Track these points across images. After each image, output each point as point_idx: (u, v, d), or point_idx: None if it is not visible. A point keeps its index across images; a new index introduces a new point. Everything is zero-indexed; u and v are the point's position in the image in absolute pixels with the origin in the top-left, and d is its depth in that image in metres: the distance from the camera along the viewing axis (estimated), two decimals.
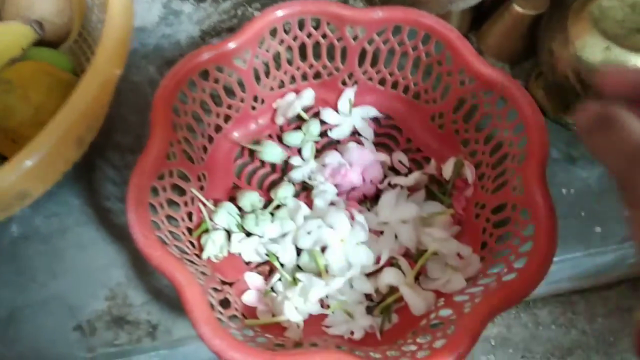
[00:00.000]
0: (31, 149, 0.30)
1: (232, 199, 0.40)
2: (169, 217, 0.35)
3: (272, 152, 0.42)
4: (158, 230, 0.33)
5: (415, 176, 0.39)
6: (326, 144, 0.44)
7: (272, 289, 0.36)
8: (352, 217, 0.37)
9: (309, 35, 0.42)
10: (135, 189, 0.32)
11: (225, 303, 0.34)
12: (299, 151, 0.43)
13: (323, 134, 0.43)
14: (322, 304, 0.36)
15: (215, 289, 0.33)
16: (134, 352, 0.36)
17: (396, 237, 0.37)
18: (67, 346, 0.35)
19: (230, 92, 0.41)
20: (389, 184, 0.40)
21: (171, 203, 0.36)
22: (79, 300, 0.37)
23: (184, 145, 0.37)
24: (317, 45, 0.42)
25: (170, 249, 0.32)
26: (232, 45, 0.38)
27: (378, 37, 0.41)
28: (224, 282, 0.36)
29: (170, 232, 0.34)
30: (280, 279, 0.36)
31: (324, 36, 0.42)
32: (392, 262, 0.36)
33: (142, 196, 0.32)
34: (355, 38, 0.42)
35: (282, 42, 0.41)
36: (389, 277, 0.34)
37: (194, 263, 0.34)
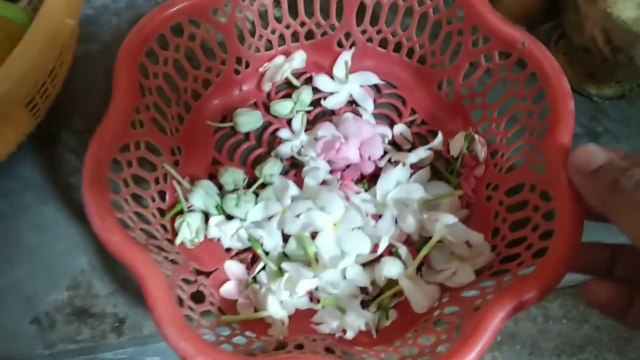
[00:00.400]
0: None
1: (212, 177, 0.35)
2: (136, 196, 0.31)
3: (248, 121, 0.37)
4: (120, 211, 0.28)
5: (419, 152, 0.34)
6: (319, 115, 0.39)
7: (255, 280, 0.32)
8: (346, 199, 0.32)
9: None
10: (92, 162, 0.27)
11: (198, 296, 0.29)
12: (289, 123, 0.38)
13: (316, 103, 0.38)
14: (311, 297, 0.31)
15: (186, 280, 0.29)
16: (98, 349, 0.32)
17: (396, 222, 0.33)
18: (22, 342, 0.31)
19: (209, 52, 0.36)
20: (390, 161, 0.35)
21: (139, 180, 0.31)
22: (36, 289, 0.33)
23: (154, 113, 0.32)
24: None
25: (133, 234, 0.27)
26: None
27: None
28: (199, 272, 0.32)
29: (137, 213, 0.30)
30: (264, 269, 0.32)
31: None
32: (391, 251, 0.32)
33: (101, 170, 0.27)
34: None
35: None
36: (388, 267, 0.30)
37: (163, 250, 0.30)
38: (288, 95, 0.38)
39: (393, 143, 0.37)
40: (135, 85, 0.30)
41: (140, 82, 0.31)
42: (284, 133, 0.37)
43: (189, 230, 0.32)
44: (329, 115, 0.39)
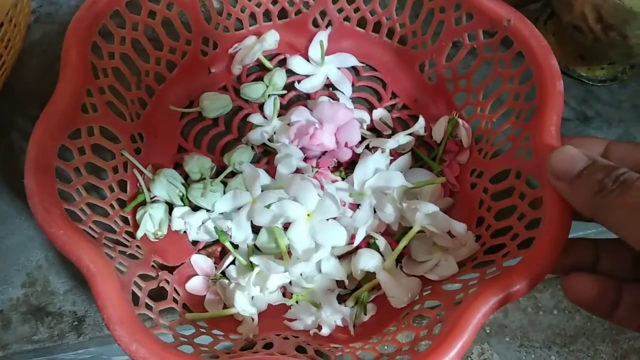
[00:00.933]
0: None
1: (179, 166, 0.33)
2: (91, 187, 0.28)
3: (216, 106, 0.34)
4: (70, 202, 0.26)
5: (399, 138, 0.32)
6: (294, 99, 0.36)
7: (224, 275, 0.30)
8: (321, 187, 0.30)
9: None
10: (36, 149, 0.24)
11: (160, 293, 0.27)
12: (261, 107, 0.35)
13: (290, 86, 0.36)
14: (285, 292, 0.29)
15: (146, 277, 0.27)
16: (57, 349, 0.29)
17: (375, 211, 0.31)
18: None
19: (172, 31, 0.33)
20: (368, 147, 0.33)
21: (95, 169, 0.29)
22: None
23: (109, 96, 0.30)
24: None
25: (84, 227, 0.25)
26: None
27: None
28: (163, 267, 0.29)
29: (90, 204, 0.27)
30: (233, 263, 0.30)
31: None
32: (369, 242, 0.30)
33: (46, 158, 0.25)
34: None
35: None
36: (364, 260, 0.28)
37: (121, 244, 0.27)
38: (260, 79, 0.36)
39: (372, 129, 0.35)
40: (86, 65, 0.28)
41: (92, 62, 0.28)
42: (255, 118, 0.35)
43: (151, 223, 0.30)
44: (305, 99, 0.36)
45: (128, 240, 0.28)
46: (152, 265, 0.28)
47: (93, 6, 0.28)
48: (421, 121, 0.33)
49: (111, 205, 0.29)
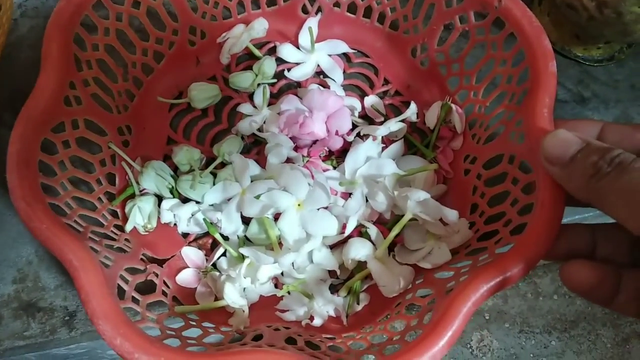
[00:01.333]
0: None
1: (168, 158, 0.33)
2: (78, 180, 0.28)
3: (204, 96, 0.33)
4: (54, 196, 0.25)
5: (390, 125, 0.32)
6: (284, 88, 0.36)
7: (215, 267, 0.30)
8: (312, 177, 0.30)
9: None
10: (18, 142, 0.24)
11: (148, 286, 0.27)
12: (250, 97, 0.35)
13: (280, 75, 0.35)
14: (277, 283, 0.29)
15: (133, 270, 0.26)
16: (50, 344, 0.29)
17: (367, 200, 0.30)
18: None
19: (157, 21, 0.32)
20: (359, 135, 0.32)
21: (81, 162, 0.28)
22: None
23: (94, 88, 0.29)
24: None
25: (69, 221, 0.25)
26: None
27: None
28: (153, 260, 0.29)
29: (76, 198, 0.27)
30: (224, 255, 0.30)
31: None
32: (360, 231, 0.29)
33: (29, 151, 0.24)
34: None
35: None
36: (355, 249, 0.28)
37: (108, 237, 0.27)
38: (249, 67, 0.35)
39: (364, 116, 0.35)
40: (68, 57, 0.27)
41: (75, 54, 0.28)
42: (245, 108, 0.34)
43: (140, 216, 0.30)
44: (295, 88, 0.36)
45: (116, 234, 0.28)
46: (141, 259, 0.28)
47: None
48: (413, 107, 0.33)
49: (99, 199, 0.29)
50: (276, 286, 0.29)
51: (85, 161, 0.29)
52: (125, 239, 0.28)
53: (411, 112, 0.33)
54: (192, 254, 0.30)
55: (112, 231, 0.28)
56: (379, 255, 0.27)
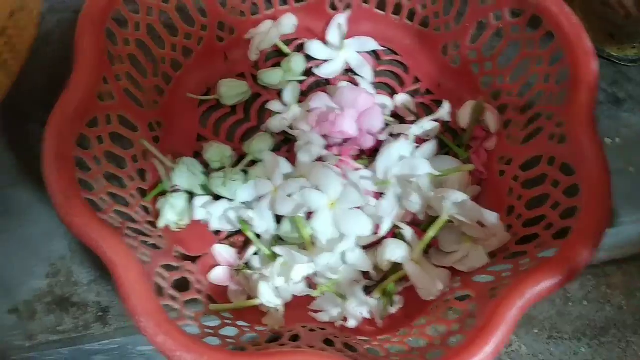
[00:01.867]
0: None
1: (197, 155, 0.32)
2: (111, 176, 0.28)
3: (234, 93, 0.33)
4: (90, 191, 0.25)
5: (423, 124, 0.31)
6: (313, 85, 0.35)
7: (247, 265, 0.29)
8: (344, 176, 0.29)
9: None
10: (54, 137, 0.24)
11: (183, 284, 0.27)
12: (279, 94, 0.34)
13: (309, 72, 0.35)
14: (310, 283, 0.29)
15: (169, 267, 0.26)
16: (83, 340, 0.29)
17: (400, 200, 0.30)
18: (2, 332, 0.28)
19: (187, 16, 0.32)
20: (391, 134, 0.32)
21: (114, 158, 0.28)
22: (12, 277, 0.30)
23: (126, 83, 0.29)
24: None
25: (105, 216, 0.25)
26: None
27: None
28: (185, 257, 0.29)
29: (111, 193, 0.27)
30: (257, 253, 0.29)
31: None
32: (394, 232, 0.29)
33: (64, 146, 0.24)
34: None
35: None
36: (391, 250, 0.27)
37: (143, 234, 0.27)
38: (278, 64, 0.35)
39: (395, 115, 0.34)
40: (101, 52, 0.27)
41: (106, 48, 0.27)
42: (274, 105, 0.34)
43: (173, 212, 0.29)
44: (324, 85, 0.35)
45: (150, 230, 0.28)
46: (175, 255, 0.28)
47: None
48: (447, 106, 0.32)
49: (131, 195, 0.29)
50: (309, 286, 0.29)
51: (117, 157, 0.29)
52: (159, 236, 0.28)
53: (445, 111, 0.32)
54: (224, 252, 0.30)
55: (145, 227, 0.28)
56: (416, 258, 0.27)
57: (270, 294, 0.27)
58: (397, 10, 0.35)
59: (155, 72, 0.32)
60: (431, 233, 0.28)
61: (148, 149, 0.30)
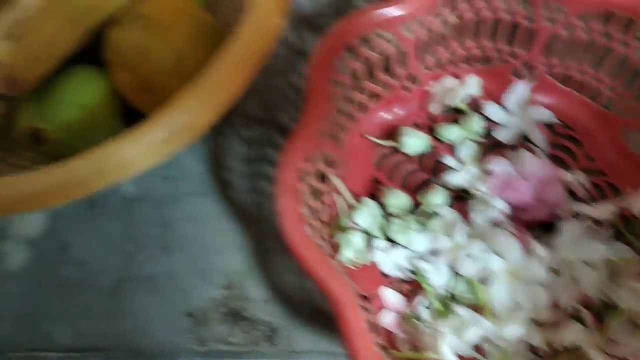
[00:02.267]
0: (186, 103, 0.24)
1: (371, 196, 0.34)
2: (311, 209, 0.30)
3: (415, 142, 0.35)
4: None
5: (608, 207, 0.31)
6: (488, 146, 0.36)
7: (413, 314, 0.30)
8: (524, 246, 0.30)
9: (494, 10, 0.34)
10: (289, 170, 0.26)
11: (373, 326, 0.28)
12: (452, 149, 0.36)
13: (484, 132, 0.36)
14: (477, 348, 0.29)
15: (361, 307, 0.27)
16: (251, 355, 0.31)
17: (574, 281, 0.30)
18: (177, 334, 0.30)
19: (385, 64, 0.34)
20: (572, 213, 0.32)
21: (313, 192, 0.30)
22: (190, 283, 0.32)
23: (330, 123, 0.31)
24: (495, 22, 0.34)
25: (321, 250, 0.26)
26: (400, 11, 0.31)
27: (579, 22, 0.33)
28: (361, 296, 0.30)
29: (312, 226, 0.29)
30: (427, 306, 0.30)
31: (510, 12, 0.34)
32: (572, 314, 0.29)
33: (293, 180, 0.26)
34: (549, 19, 0.33)
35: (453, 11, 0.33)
36: (570, 332, 0.27)
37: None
38: (454, 120, 0.36)
39: (568, 191, 0.34)
40: (326, 92, 0.29)
41: (329, 92, 0.30)
42: (450, 161, 0.35)
43: (350, 249, 0.31)
44: (499, 148, 0.36)
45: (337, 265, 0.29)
46: (358, 294, 0.29)
47: (341, 36, 0.30)
48: (627, 195, 0.32)
49: (319, 229, 0.30)
50: (476, 350, 0.29)
51: (316, 190, 0.30)
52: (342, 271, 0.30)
53: (625, 199, 0.32)
54: (391, 296, 0.31)
55: (335, 263, 0.29)
56: (602, 345, 0.27)
57: (449, 353, 0.27)
58: (580, 87, 0.36)
59: (342, 111, 0.34)
60: (612, 323, 0.27)
61: (335, 185, 0.32)
